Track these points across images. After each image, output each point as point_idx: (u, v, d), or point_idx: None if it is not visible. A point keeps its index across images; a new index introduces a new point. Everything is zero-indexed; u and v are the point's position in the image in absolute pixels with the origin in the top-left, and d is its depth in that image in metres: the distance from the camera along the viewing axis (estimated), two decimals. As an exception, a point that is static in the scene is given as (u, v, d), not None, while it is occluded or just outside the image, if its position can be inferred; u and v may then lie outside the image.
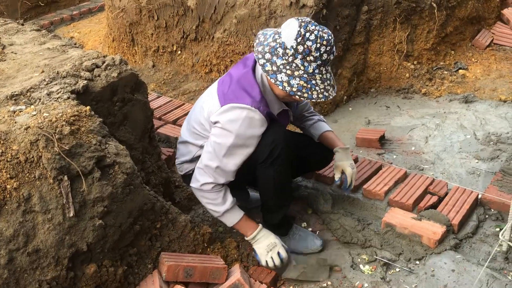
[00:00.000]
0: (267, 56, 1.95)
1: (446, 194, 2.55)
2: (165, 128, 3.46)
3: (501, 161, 2.88)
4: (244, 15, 3.79)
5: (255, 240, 2.19)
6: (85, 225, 1.76)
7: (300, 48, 1.91)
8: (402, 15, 3.78)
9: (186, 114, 3.66)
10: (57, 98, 1.97)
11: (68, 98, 1.98)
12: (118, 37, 4.89)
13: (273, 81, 1.95)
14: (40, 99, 1.98)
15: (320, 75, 1.98)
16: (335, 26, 3.57)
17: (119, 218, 1.88)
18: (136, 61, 4.78)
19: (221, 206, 2.16)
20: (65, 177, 1.70)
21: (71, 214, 1.71)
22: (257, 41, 2.01)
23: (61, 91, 2.05)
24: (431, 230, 2.27)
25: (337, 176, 2.39)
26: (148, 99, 2.51)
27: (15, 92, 1.99)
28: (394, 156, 3.06)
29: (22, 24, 2.89)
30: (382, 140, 3.19)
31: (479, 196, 2.52)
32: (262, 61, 1.95)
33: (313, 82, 1.96)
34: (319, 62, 1.94)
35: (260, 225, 2.23)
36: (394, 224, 2.34)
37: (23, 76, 2.19)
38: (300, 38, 1.90)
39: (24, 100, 1.96)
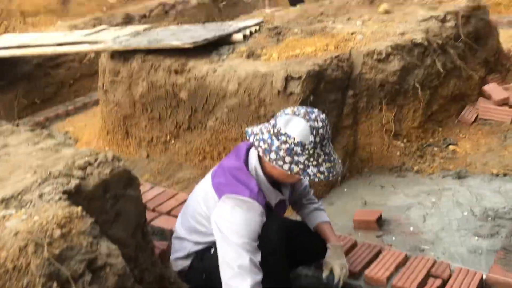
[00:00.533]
0: (288, 159, 1.94)
1: (450, 276, 2.47)
2: (159, 220, 3.41)
3: (501, 237, 2.83)
4: (234, 104, 3.91)
5: None
6: (74, 334, 1.67)
7: (317, 139, 1.95)
8: (387, 97, 3.91)
9: (180, 205, 3.62)
10: (49, 200, 1.96)
11: (60, 199, 1.96)
12: (113, 130, 4.98)
13: (307, 179, 1.99)
14: (31, 201, 1.97)
15: (330, 148, 2.03)
16: (323, 111, 3.63)
17: (111, 323, 1.78)
18: (130, 152, 4.84)
19: None
20: (55, 284, 1.64)
21: (60, 323, 1.63)
22: (260, 149, 1.99)
23: (53, 192, 2.04)
24: (439, 316, 2.18)
25: (324, 274, 2.31)
26: (141, 192, 2.50)
27: (6, 195, 1.98)
28: (393, 238, 3.01)
29: (17, 125, 2.95)
30: (380, 221, 3.15)
31: (484, 277, 2.44)
32: (286, 166, 1.95)
33: (332, 158, 2.00)
34: (329, 140, 2.00)
35: None
36: (399, 311, 2.24)
37: (15, 178, 2.19)
38: (314, 130, 1.94)
39: (15, 204, 1.94)
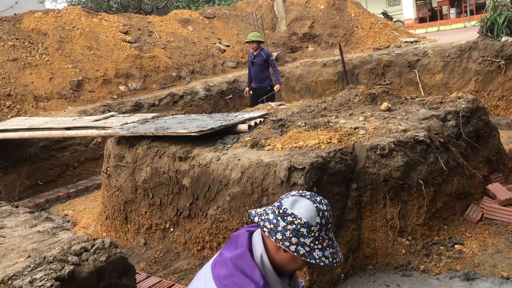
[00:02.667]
0: (294, 240, 1.90)
1: None
2: (152, 313, 3.24)
3: None
4: (237, 192, 3.88)
5: None
6: None
7: (323, 221, 1.93)
8: (391, 192, 3.89)
9: (175, 296, 3.47)
10: (40, 286, 1.86)
11: (52, 286, 1.87)
12: (112, 215, 4.91)
13: (313, 262, 1.91)
14: (21, 288, 1.87)
15: (332, 234, 1.98)
16: (327, 203, 3.63)
17: None
18: (128, 239, 4.73)
19: None
20: None
21: None
22: (266, 229, 1.94)
23: (45, 277, 1.95)
24: None
25: None
26: (136, 281, 2.39)
27: (-5, 280, 1.89)
28: None
29: (16, 206, 2.91)
30: (386, 324, 2.97)
31: None
32: (293, 248, 1.89)
33: (335, 244, 1.96)
34: (331, 225, 1.97)
35: None
36: None
37: (7, 261, 2.11)
38: (320, 212, 1.94)
39: (3, 289, 1.85)
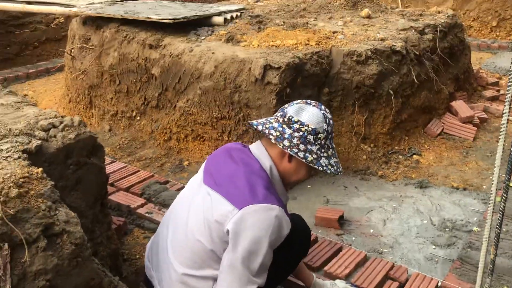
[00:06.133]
0: (302, 147, 1.84)
1: (407, 280, 2.50)
2: (117, 196, 3.28)
3: (458, 248, 2.89)
4: (209, 87, 3.81)
5: None
6: (21, 302, 1.55)
7: (329, 128, 1.90)
8: (361, 99, 3.93)
9: (141, 182, 3.50)
10: (7, 157, 1.81)
11: (19, 157, 1.82)
12: (76, 99, 4.77)
13: (321, 169, 1.85)
14: (-14, 157, 1.81)
15: (334, 145, 1.97)
16: (298, 105, 3.63)
17: (62, 294, 1.67)
18: (92, 124, 4.65)
19: None
20: (6, 245, 1.51)
21: (7, 289, 1.51)
22: (272, 137, 1.86)
23: (11, 149, 1.89)
24: (394, 318, 2.19)
25: None
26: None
27: (-41, 147, 1.82)
28: (353, 238, 3.02)
29: (-24, 77, 2.74)
30: (341, 220, 3.16)
31: (439, 283, 2.48)
32: (301, 154, 1.84)
33: (336, 154, 1.95)
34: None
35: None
36: (355, 310, 2.24)
37: (-30, 131, 2.02)
38: (327, 119, 1.89)
39: (-32, 157, 1.79)
